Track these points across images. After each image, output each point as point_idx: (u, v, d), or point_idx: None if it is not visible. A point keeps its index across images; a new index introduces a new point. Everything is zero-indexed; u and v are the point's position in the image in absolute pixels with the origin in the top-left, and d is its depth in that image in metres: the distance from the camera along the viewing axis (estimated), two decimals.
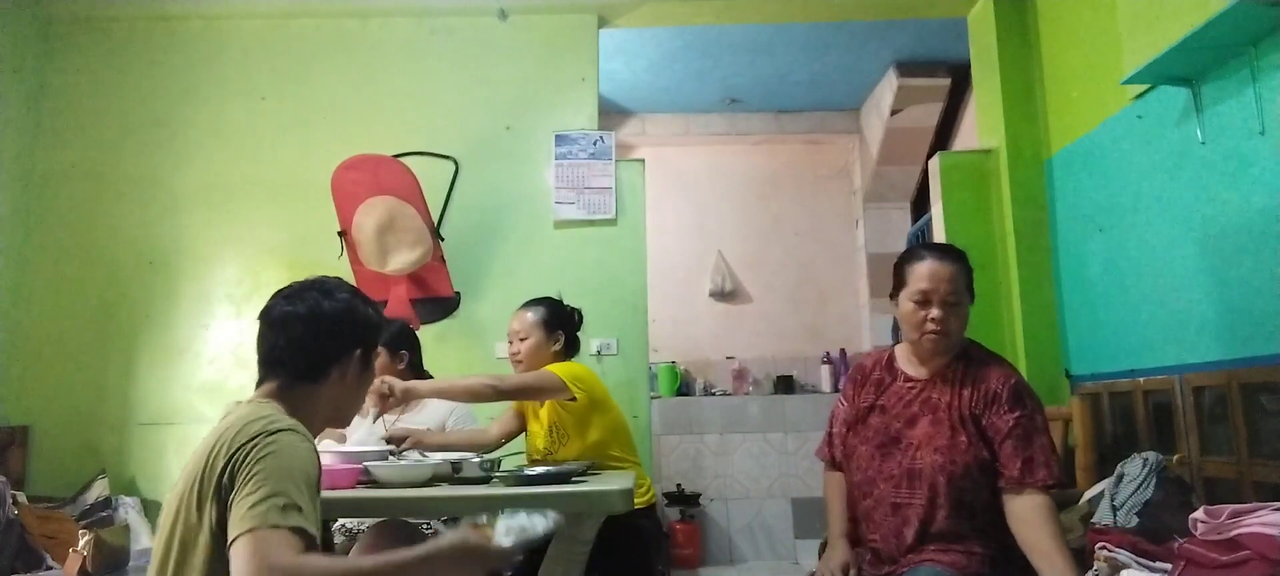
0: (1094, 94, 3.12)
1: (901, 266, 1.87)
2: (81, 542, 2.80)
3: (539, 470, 1.98)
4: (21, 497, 3.02)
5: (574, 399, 2.33)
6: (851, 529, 1.89)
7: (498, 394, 2.33)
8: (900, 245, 5.19)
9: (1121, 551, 2.01)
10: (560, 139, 3.74)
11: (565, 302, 2.59)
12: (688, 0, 3.87)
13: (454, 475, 1.97)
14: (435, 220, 3.52)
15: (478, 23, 3.84)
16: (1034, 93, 3.57)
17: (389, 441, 2.28)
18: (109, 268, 3.64)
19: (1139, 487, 2.27)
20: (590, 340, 3.53)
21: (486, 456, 2.09)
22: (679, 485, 4.54)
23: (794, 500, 4.60)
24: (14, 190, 3.59)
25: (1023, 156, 3.54)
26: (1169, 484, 2.27)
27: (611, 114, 5.32)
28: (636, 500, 2.15)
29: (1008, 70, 3.60)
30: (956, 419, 1.76)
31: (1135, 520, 2.19)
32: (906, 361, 1.91)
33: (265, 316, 1.42)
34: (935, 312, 1.78)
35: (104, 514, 3.15)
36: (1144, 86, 2.75)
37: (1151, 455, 2.34)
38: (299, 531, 1.16)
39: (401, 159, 3.51)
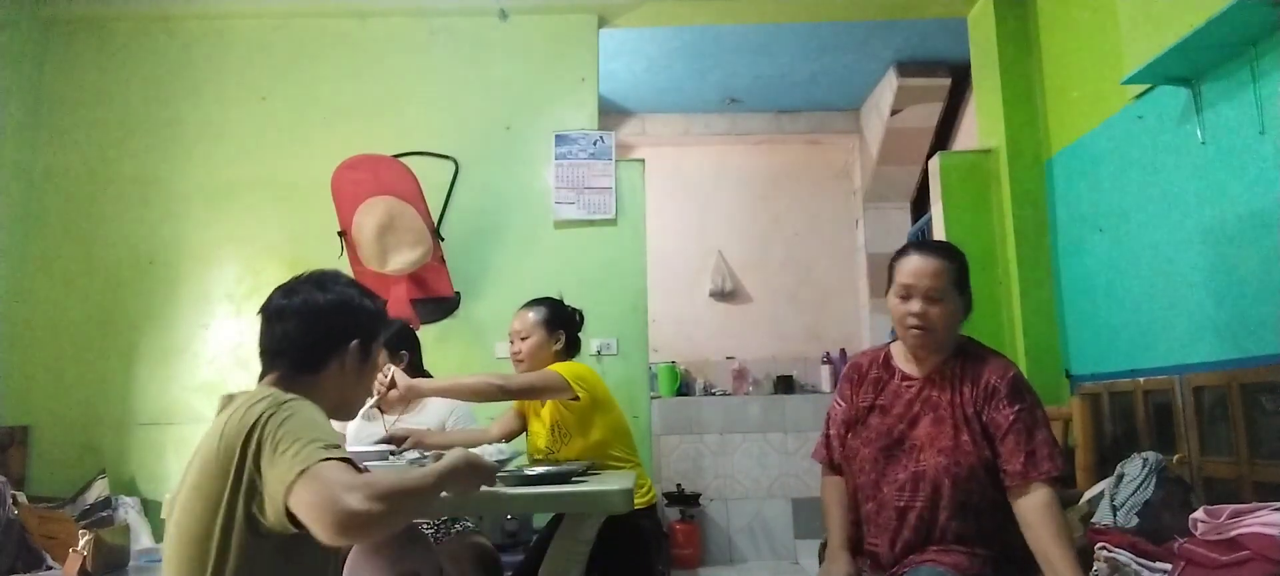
0: (1094, 94, 3.12)
1: (891, 264, 1.86)
2: (81, 542, 2.80)
3: (540, 469, 1.98)
4: (21, 497, 3.02)
5: (577, 398, 2.33)
6: (852, 535, 1.84)
7: (503, 393, 2.33)
8: (900, 244, 5.19)
9: (1121, 551, 2.01)
10: (560, 139, 3.74)
11: (566, 303, 2.59)
12: (688, 0, 3.87)
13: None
14: (435, 220, 3.52)
15: (478, 23, 3.84)
16: (1034, 93, 3.57)
17: (389, 441, 2.28)
18: (109, 268, 3.64)
19: (1139, 487, 2.27)
20: (590, 340, 3.53)
21: (503, 448, 2.09)
22: (679, 485, 4.54)
23: (794, 500, 4.60)
24: (14, 190, 3.59)
25: (1023, 156, 3.54)
26: (1169, 484, 2.27)
27: (611, 114, 5.32)
28: (637, 500, 2.15)
29: (1008, 70, 3.61)
30: (960, 418, 1.74)
31: (1135, 520, 2.19)
32: (903, 359, 1.88)
33: (264, 311, 1.46)
34: (916, 306, 1.76)
35: (104, 514, 3.15)
36: (1144, 86, 2.75)
37: (1151, 455, 2.35)
38: (344, 460, 1.20)
39: (401, 159, 3.51)
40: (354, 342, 1.44)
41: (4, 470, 3.16)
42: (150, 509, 3.34)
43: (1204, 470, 2.52)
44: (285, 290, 1.46)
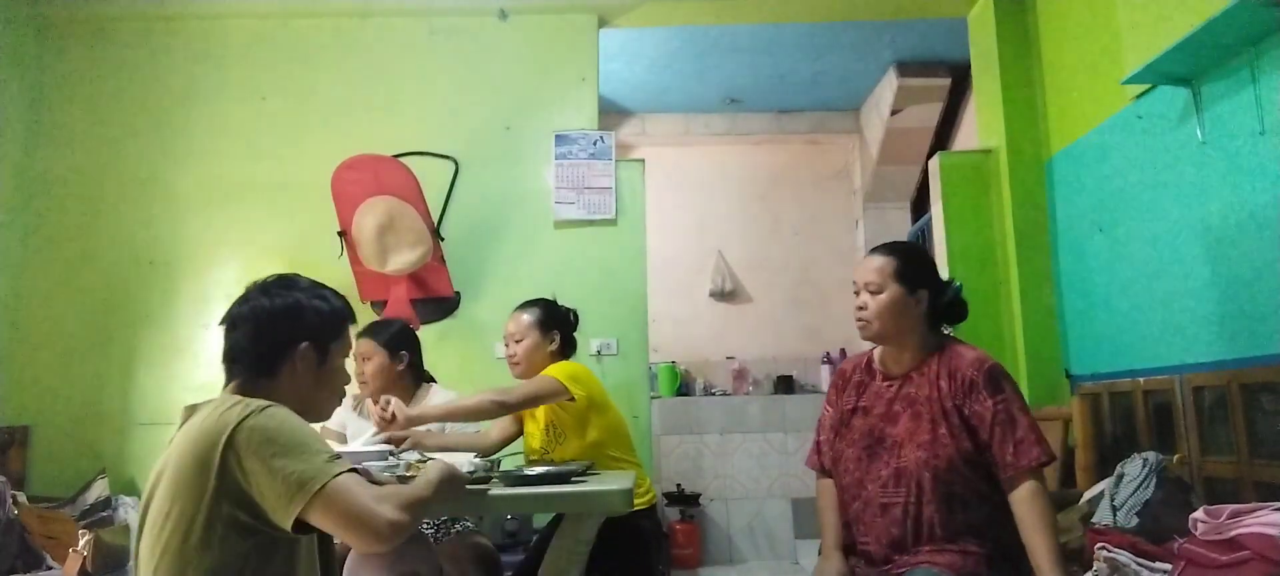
0: (1094, 94, 3.12)
1: None
2: (81, 542, 2.80)
3: (539, 470, 1.98)
4: (22, 497, 3.02)
5: (573, 399, 2.33)
6: (845, 536, 1.88)
7: (503, 410, 2.33)
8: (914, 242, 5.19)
9: (1121, 551, 2.01)
10: (560, 139, 3.74)
11: (560, 303, 2.59)
12: (688, 0, 3.87)
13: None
14: (435, 220, 3.52)
15: (478, 23, 3.84)
16: (1034, 93, 3.57)
17: (388, 442, 2.28)
18: (109, 267, 3.64)
19: (1139, 487, 2.27)
20: (590, 340, 3.53)
21: (487, 457, 2.09)
22: (679, 485, 4.54)
23: (794, 500, 4.60)
24: (14, 190, 3.59)
25: (1023, 156, 3.54)
26: (1169, 484, 2.27)
27: (611, 114, 5.32)
28: (636, 500, 2.15)
29: (1008, 70, 3.61)
30: (938, 412, 1.76)
31: (1135, 520, 2.19)
32: (882, 361, 1.93)
33: (223, 321, 1.51)
34: (858, 300, 1.86)
35: (104, 514, 3.15)
36: (1144, 86, 2.75)
37: (1151, 455, 2.34)
38: (351, 471, 1.31)
39: (401, 159, 3.51)
40: (303, 344, 1.44)
41: (4, 470, 3.16)
42: None
43: (1204, 470, 2.52)
44: (240, 299, 1.51)
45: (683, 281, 5.58)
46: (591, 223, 3.70)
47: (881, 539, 1.76)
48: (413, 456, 2.11)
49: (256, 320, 1.45)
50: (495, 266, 3.66)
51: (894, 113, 4.99)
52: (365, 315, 3.39)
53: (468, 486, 1.71)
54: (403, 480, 1.73)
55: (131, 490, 3.41)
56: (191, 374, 3.57)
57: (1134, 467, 2.33)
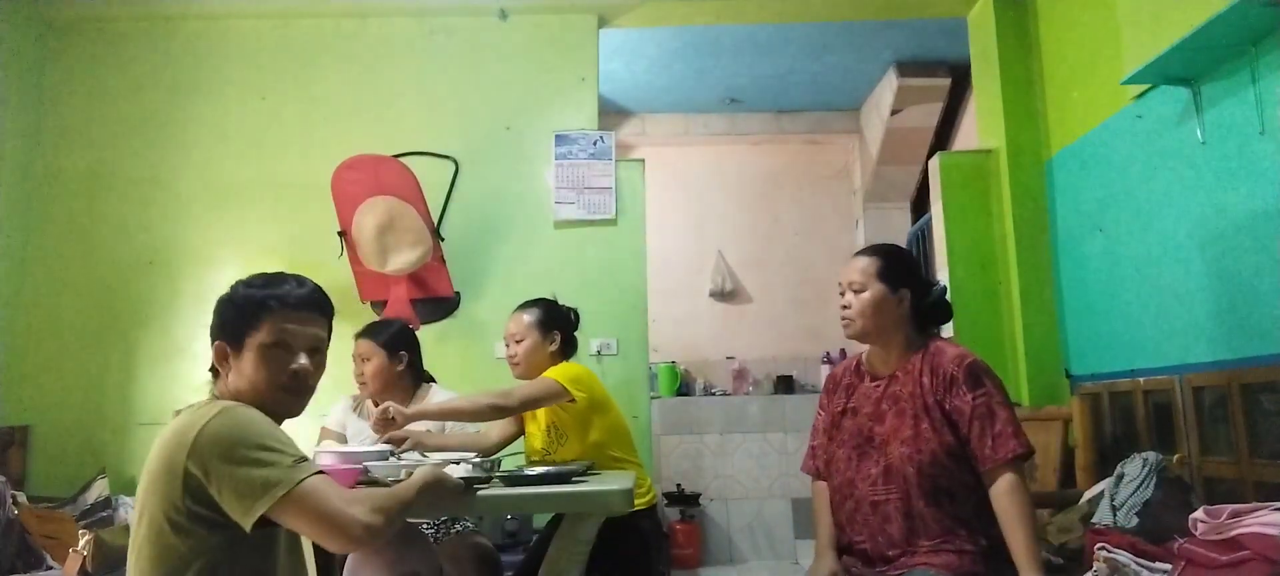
0: (1094, 94, 3.12)
1: None
2: (81, 542, 2.80)
3: (539, 470, 1.97)
4: (21, 497, 3.02)
5: (574, 401, 2.33)
6: (839, 537, 1.90)
7: (500, 413, 2.32)
8: (900, 244, 5.20)
9: (1121, 551, 2.00)
10: (560, 139, 3.74)
11: (560, 303, 2.59)
12: (688, 0, 3.87)
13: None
14: (435, 220, 3.52)
15: (478, 23, 3.84)
16: (1034, 93, 3.57)
17: (388, 442, 2.28)
18: (109, 268, 3.64)
19: (1139, 487, 2.27)
20: (590, 340, 3.53)
21: (487, 458, 2.09)
22: (679, 485, 4.54)
23: (794, 500, 4.60)
24: (14, 190, 3.59)
25: (1023, 156, 3.54)
26: (1169, 484, 2.27)
27: (611, 114, 5.32)
28: (637, 501, 2.15)
29: (1008, 70, 3.61)
30: (919, 408, 1.79)
31: (1135, 520, 2.19)
32: (870, 363, 1.96)
33: None
34: (842, 300, 1.91)
35: (104, 514, 3.15)
36: (1144, 86, 2.75)
37: (1151, 455, 2.34)
38: (319, 473, 1.33)
39: (401, 159, 3.51)
40: (216, 343, 1.45)
41: (4, 470, 3.16)
42: None
43: (1204, 470, 2.52)
44: None
45: (683, 281, 5.58)
46: (591, 223, 3.70)
47: (874, 537, 1.78)
48: (414, 457, 2.11)
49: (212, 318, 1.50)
50: (495, 266, 3.66)
51: (894, 113, 4.99)
52: (365, 315, 3.39)
53: (469, 486, 1.71)
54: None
55: (131, 490, 3.38)
56: (191, 374, 3.57)
57: (1134, 467, 2.33)
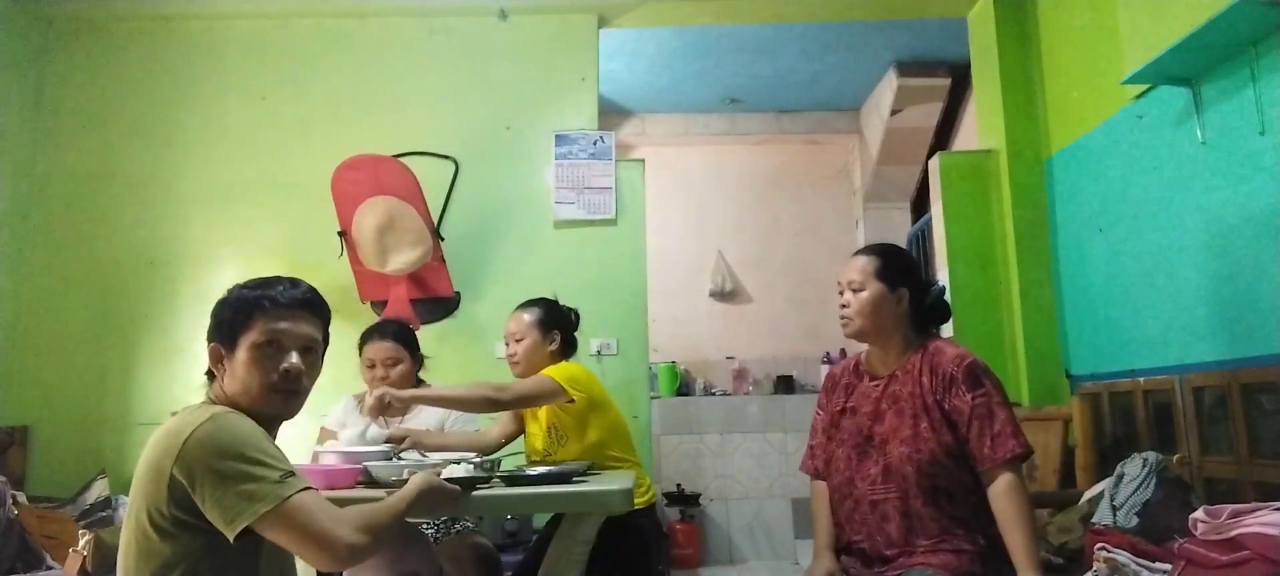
0: (1094, 94, 3.12)
1: None
2: (81, 542, 2.79)
3: (539, 470, 1.97)
4: (21, 497, 3.02)
5: (572, 401, 2.32)
6: (838, 537, 1.90)
7: (495, 406, 2.32)
8: (900, 244, 5.20)
9: (1121, 552, 2.00)
10: (560, 139, 3.74)
11: (561, 303, 2.59)
12: (688, 0, 3.87)
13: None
14: (435, 220, 3.52)
15: (478, 23, 3.84)
16: (1034, 93, 3.57)
17: (388, 441, 2.28)
18: (109, 267, 3.64)
19: (1139, 487, 2.27)
20: (590, 340, 3.53)
21: (486, 457, 2.09)
22: (679, 485, 4.54)
23: (794, 500, 4.60)
24: (14, 190, 3.59)
25: (1023, 156, 3.54)
26: (1169, 484, 2.27)
27: (611, 114, 5.32)
28: (636, 500, 2.14)
29: (1008, 70, 3.61)
30: (919, 407, 1.79)
31: (1135, 520, 2.19)
32: (869, 362, 1.96)
33: None
34: (841, 299, 1.91)
35: (104, 514, 3.14)
36: (1144, 86, 2.75)
37: (1151, 455, 2.34)
38: (307, 489, 1.32)
39: (401, 159, 3.51)
40: (211, 344, 1.47)
41: (4, 470, 3.16)
42: None
43: (1204, 470, 2.52)
44: None
45: (683, 281, 5.58)
46: (591, 223, 3.70)
47: (874, 536, 1.79)
48: (414, 456, 2.11)
49: None
50: (495, 266, 3.66)
51: (894, 113, 4.99)
52: (365, 315, 3.39)
53: (466, 487, 1.70)
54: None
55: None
56: (191, 374, 3.53)
57: (1134, 467, 2.33)
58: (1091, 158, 3.16)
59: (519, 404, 2.36)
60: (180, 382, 3.56)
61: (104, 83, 3.77)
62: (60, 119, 3.74)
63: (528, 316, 2.50)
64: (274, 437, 1.46)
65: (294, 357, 1.45)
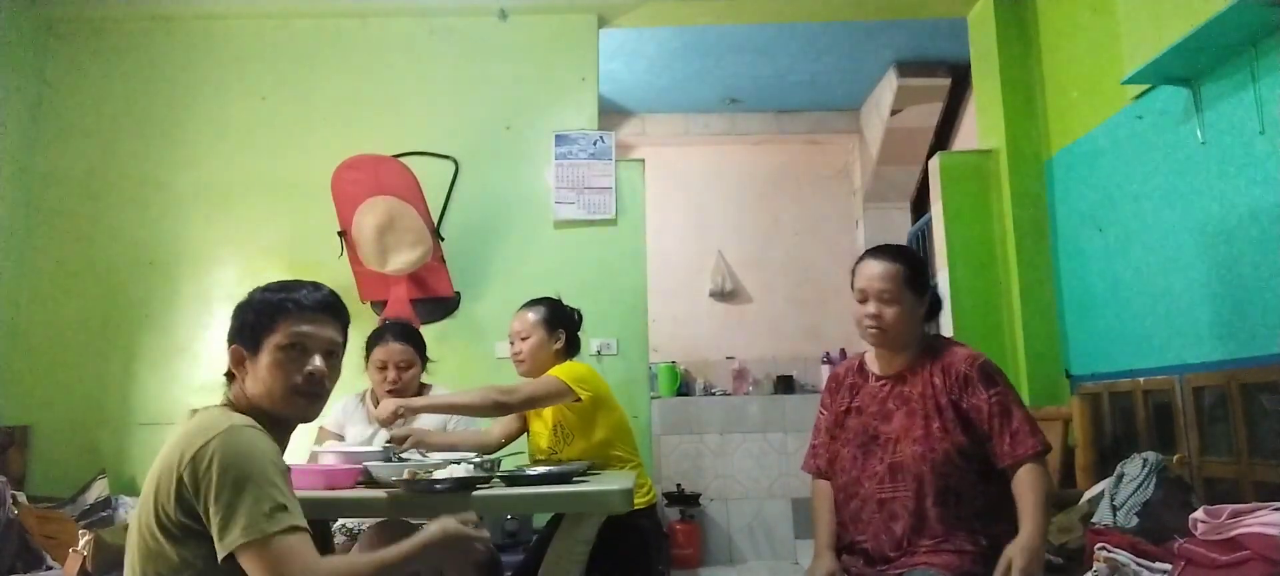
0: (1094, 94, 3.12)
1: (852, 270, 1.96)
2: (81, 542, 2.79)
3: (540, 469, 1.97)
4: (21, 497, 3.02)
5: (579, 399, 2.33)
6: (839, 537, 1.90)
7: (503, 409, 2.32)
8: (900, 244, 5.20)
9: (1121, 551, 2.00)
10: (560, 139, 3.74)
11: (564, 303, 2.59)
12: (688, 0, 3.87)
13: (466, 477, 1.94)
14: (435, 220, 3.52)
15: (478, 23, 3.84)
16: (1034, 93, 3.57)
17: (391, 441, 2.28)
18: (109, 268, 3.64)
19: (1139, 487, 2.27)
20: (590, 340, 3.53)
21: (487, 457, 2.09)
22: (679, 485, 4.54)
23: (794, 500, 4.59)
24: (14, 191, 3.59)
25: (1023, 156, 3.54)
26: (1169, 484, 2.27)
27: (611, 114, 5.32)
28: (637, 500, 2.14)
29: (1008, 70, 3.61)
30: (932, 408, 1.80)
31: (1135, 520, 2.19)
32: (874, 362, 1.96)
33: None
34: (871, 308, 1.86)
35: (104, 514, 3.14)
36: (1144, 86, 2.75)
37: (1151, 455, 2.35)
38: (294, 530, 1.27)
39: (401, 159, 3.51)
40: (232, 346, 1.47)
41: (4, 470, 3.16)
42: None
43: (1204, 470, 2.52)
44: None
45: (683, 281, 5.58)
46: (591, 223, 3.70)
47: (880, 535, 1.79)
48: (414, 456, 2.11)
49: None
50: (495, 266, 3.65)
51: (894, 113, 4.99)
52: (366, 315, 3.39)
53: (471, 488, 1.70)
54: (406, 482, 1.73)
55: (131, 490, 3.41)
56: (191, 374, 3.57)
57: (1134, 467, 2.33)
58: (1091, 158, 3.16)
59: (527, 405, 2.36)
60: (180, 383, 3.56)
61: (104, 83, 3.77)
62: (60, 119, 3.74)
63: (533, 315, 2.50)
64: (288, 440, 1.47)
65: (318, 360, 1.45)
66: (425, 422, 2.56)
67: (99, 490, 3.25)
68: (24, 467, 3.42)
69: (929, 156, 4.24)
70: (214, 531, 1.26)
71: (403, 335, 2.56)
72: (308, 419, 1.48)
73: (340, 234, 3.42)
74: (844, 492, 1.88)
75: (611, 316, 3.60)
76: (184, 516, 1.28)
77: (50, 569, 2.78)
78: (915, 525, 1.75)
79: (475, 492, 1.73)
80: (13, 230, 3.57)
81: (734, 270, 5.64)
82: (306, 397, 1.45)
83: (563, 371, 2.35)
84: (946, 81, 4.85)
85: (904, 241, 5.30)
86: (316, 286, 1.52)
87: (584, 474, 2.03)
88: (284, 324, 1.44)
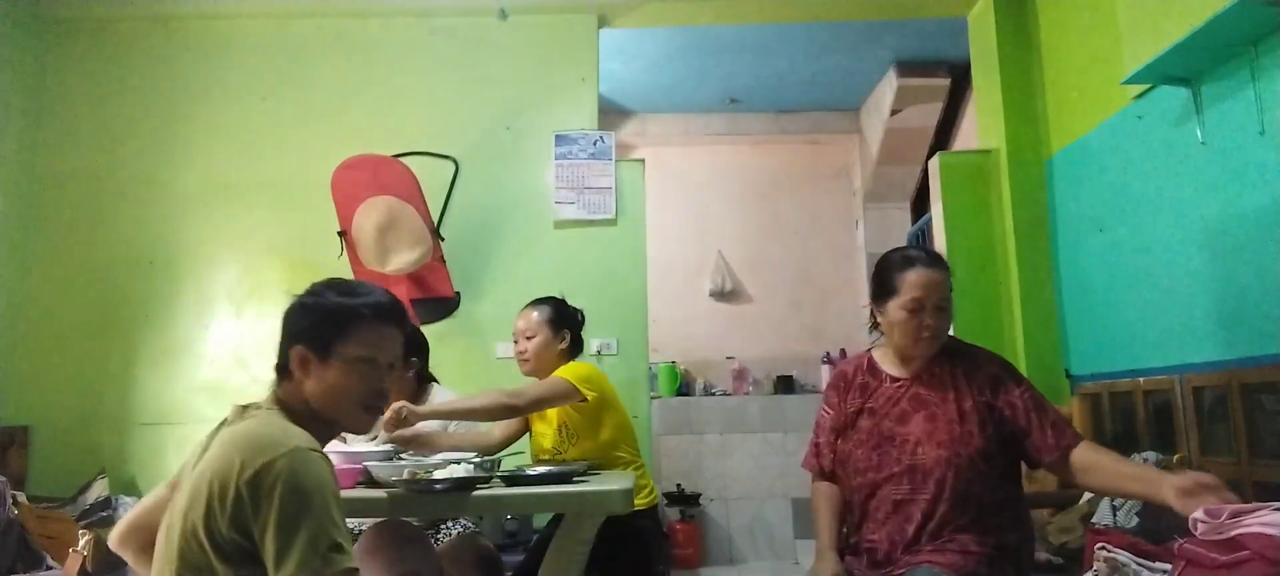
0: (1094, 94, 3.12)
1: (889, 273, 1.87)
2: (81, 542, 2.79)
3: (540, 470, 1.97)
4: (21, 497, 3.02)
5: (585, 400, 2.32)
6: (842, 537, 1.88)
7: (511, 412, 2.31)
8: (900, 243, 5.20)
9: (1121, 551, 2.00)
10: (560, 139, 3.74)
11: (568, 303, 2.59)
12: (688, 0, 3.87)
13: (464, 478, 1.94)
14: (435, 220, 3.52)
15: (478, 23, 3.84)
16: (1034, 93, 3.57)
17: (394, 442, 2.27)
18: (109, 268, 3.64)
19: None
20: (590, 340, 3.52)
21: (487, 457, 2.09)
22: (679, 485, 4.54)
23: (794, 500, 4.60)
24: (15, 191, 3.59)
25: (1023, 156, 3.54)
26: None
27: (611, 114, 5.32)
28: (638, 501, 2.14)
29: (1008, 70, 3.60)
30: (954, 412, 1.78)
31: (1135, 520, 2.19)
32: (888, 363, 1.92)
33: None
34: (930, 320, 1.81)
35: (104, 514, 3.14)
36: (1144, 86, 2.75)
37: (1151, 455, 2.35)
38: (348, 573, 1.19)
39: (401, 159, 3.51)
40: (297, 347, 1.38)
41: (4, 470, 3.16)
42: None
43: (1204, 470, 2.51)
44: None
45: (683, 281, 5.58)
46: (591, 223, 3.70)
47: (893, 536, 1.76)
48: (417, 458, 2.11)
49: (284, 318, 1.42)
50: (495, 266, 3.65)
51: (894, 113, 4.99)
52: None
53: (470, 488, 1.70)
54: (406, 482, 1.73)
55: (131, 490, 3.41)
56: (192, 374, 3.57)
57: None
58: (1091, 158, 3.16)
59: (535, 408, 2.36)
60: (180, 383, 3.56)
61: (104, 83, 3.77)
62: (60, 119, 3.74)
63: (538, 315, 2.49)
64: (331, 440, 1.44)
65: (387, 378, 1.42)
66: (426, 424, 2.56)
67: (99, 490, 3.25)
68: (24, 467, 3.42)
69: (929, 156, 4.24)
70: (268, 559, 1.18)
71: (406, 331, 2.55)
72: (362, 432, 1.46)
73: (340, 234, 3.42)
74: (858, 493, 1.85)
75: (611, 316, 3.60)
76: (237, 534, 1.20)
77: (50, 569, 2.78)
78: (926, 526, 1.73)
79: (475, 492, 1.73)
80: (13, 230, 3.57)
81: (734, 270, 5.64)
82: (371, 413, 1.42)
83: (568, 372, 2.35)
84: (946, 81, 4.84)
85: (904, 241, 5.30)
86: (384, 292, 1.47)
87: (584, 474, 2.03)
88: (359, 331, 1.39)
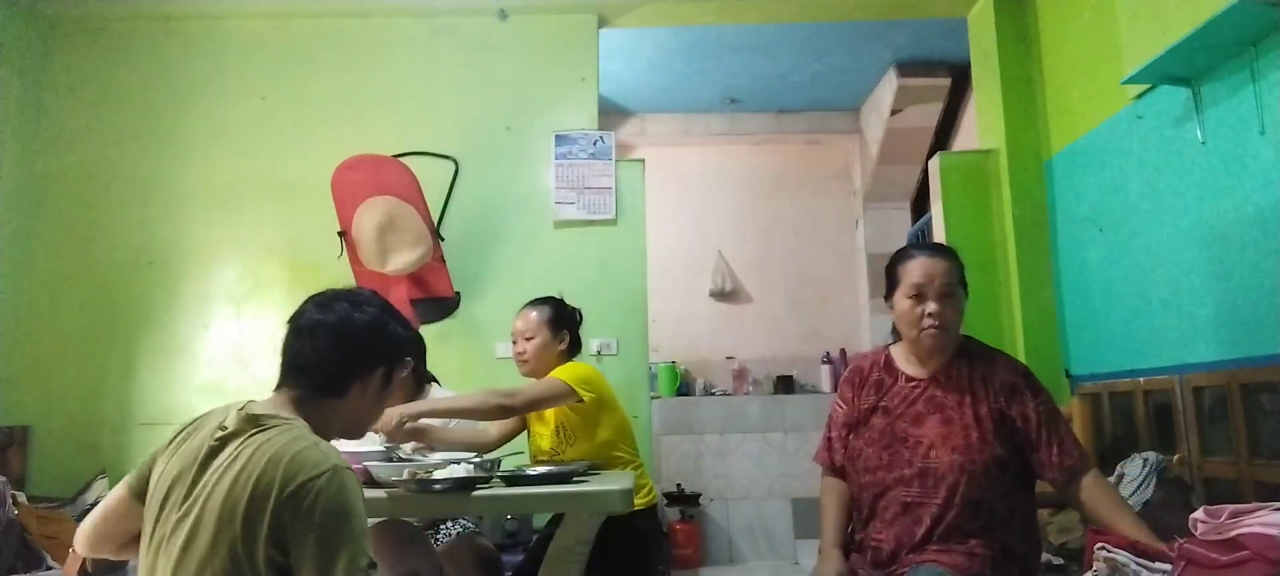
0: (1094, 94, 3.12)
1: (893, 267, 1.88)
2: None
3: (540, 470, 1.97)
4: (21, 497, 3.02)
5: (581, 401, 2.32)
6: (846, 534, 1.87)
7: (506, 412, 2.31)
8: (900, 244, 5.20)
9: (1121, 551, 2.00)
10: (560, 139, 3.74)
11: (566, 302, 2.59)
12: (688, 0, 3.87)
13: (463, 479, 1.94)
14: (435, 220, 3.52)
15: (478, 23, 3.84)
16: (1034, 93, 3.57)
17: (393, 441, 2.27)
18: (109, 268, 3.64)
19: (1139, 487, 2.27)
20: (590, 340, 3.53)
21: (487, 457, 2.09)
22: (679, 485, 4.54)
23: (794, 500, 4.60)
24: (14, 191, 3.59)
25: (1023, 156, 3.54)
26: (1169, 484, 2.27)
27: (611, 114, 5.32)
28: (637, 501, 2.14)
29: (1008, 70, 3.60)
30: (971, 417, 1.76)
31: None
32: (905, 361, 1.90)
33: (294, 322, 1.40)
34: (932, 306, 1.79)
35: None
36: (1144, 86, 2.75)
37: (1151, 455, 2.35)
38: None
39: (401, 159, 3.51)
40: (381, 369, 1.42)
41: (4, 470, 3.16)
42: None
43: (1204, 470, 2.52)
44: (320, 304, 1.41)
45: (683, 281, 5.58)
46: (591, 223, 3.70)
47: (900, 537, 1.75)
48: (415, 457, 2.10)
49: (342, 334, 1.38)
50: (495, 266, 3.65)
51: (894, 113, 4.99)
52: None
53: (470, 488, 1.70)
54: (406, 481, 1.73)
55: None
56: (192, 374, 3.57)
57: (1134, 467, 2.34)
58: (1091, 158, 3.16)
59: (530, 408, 2.36)
60: (180, 383, 3.56)
61: (104, 83, 3.77)
62: (60, 119, 3.74)
63: (537, 315, 2.49)
64: None
65: None
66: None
67: (99, 490, 3.25)
68: (24, 467, 3.42)
69: (929, 156, 4.24)
70: (304, 570, 1.17)
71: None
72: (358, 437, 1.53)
73: (340, 234, 3.41)
74: (867, 491, 1.83)
75: (611, 316, 3.60)
76: (274, 551, 1.18)
77: (50, 569, 2.78)
78: (934, 529, 1.72)
79: (475, 492, 1.73)
80: (13, 230, 3.57)
81: (734, 270, 5.64)
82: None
83: (566, 372, 2.35)
84: (946, 81, 4.84)
85: (904, 242, 5.30)
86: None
87: (584, 474, 2.03)
88: (408, 360, 1.50)
